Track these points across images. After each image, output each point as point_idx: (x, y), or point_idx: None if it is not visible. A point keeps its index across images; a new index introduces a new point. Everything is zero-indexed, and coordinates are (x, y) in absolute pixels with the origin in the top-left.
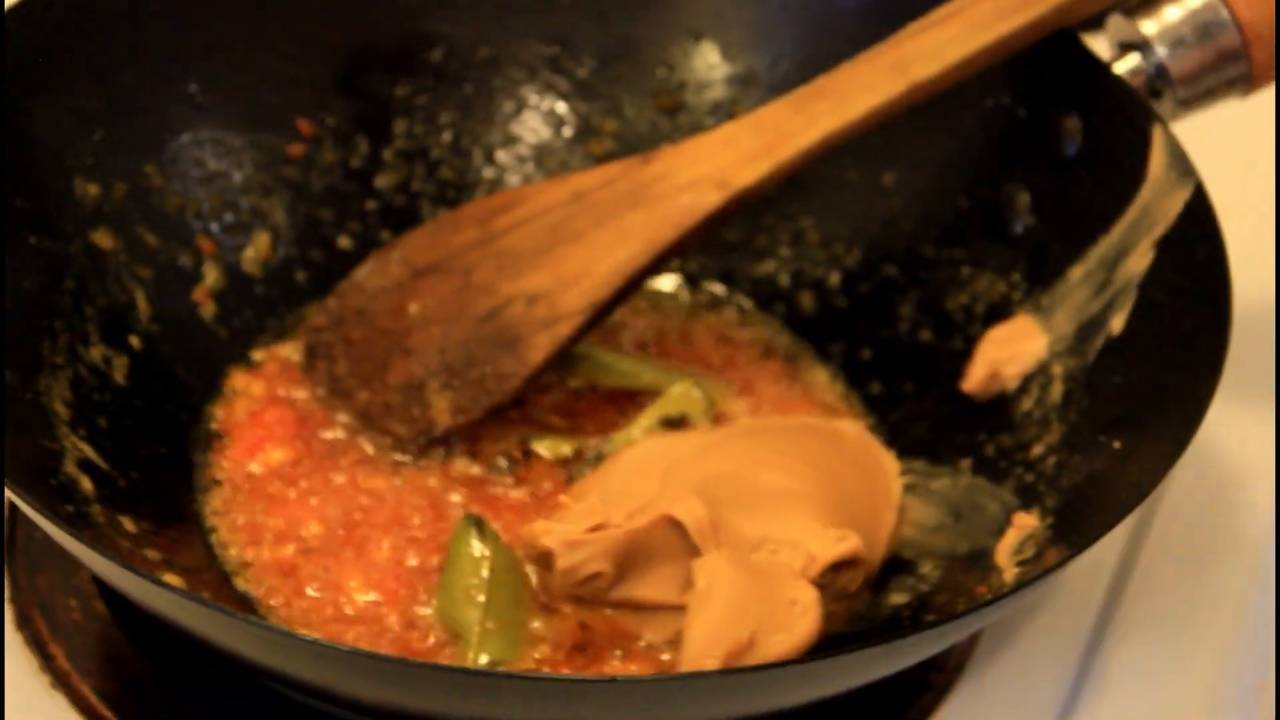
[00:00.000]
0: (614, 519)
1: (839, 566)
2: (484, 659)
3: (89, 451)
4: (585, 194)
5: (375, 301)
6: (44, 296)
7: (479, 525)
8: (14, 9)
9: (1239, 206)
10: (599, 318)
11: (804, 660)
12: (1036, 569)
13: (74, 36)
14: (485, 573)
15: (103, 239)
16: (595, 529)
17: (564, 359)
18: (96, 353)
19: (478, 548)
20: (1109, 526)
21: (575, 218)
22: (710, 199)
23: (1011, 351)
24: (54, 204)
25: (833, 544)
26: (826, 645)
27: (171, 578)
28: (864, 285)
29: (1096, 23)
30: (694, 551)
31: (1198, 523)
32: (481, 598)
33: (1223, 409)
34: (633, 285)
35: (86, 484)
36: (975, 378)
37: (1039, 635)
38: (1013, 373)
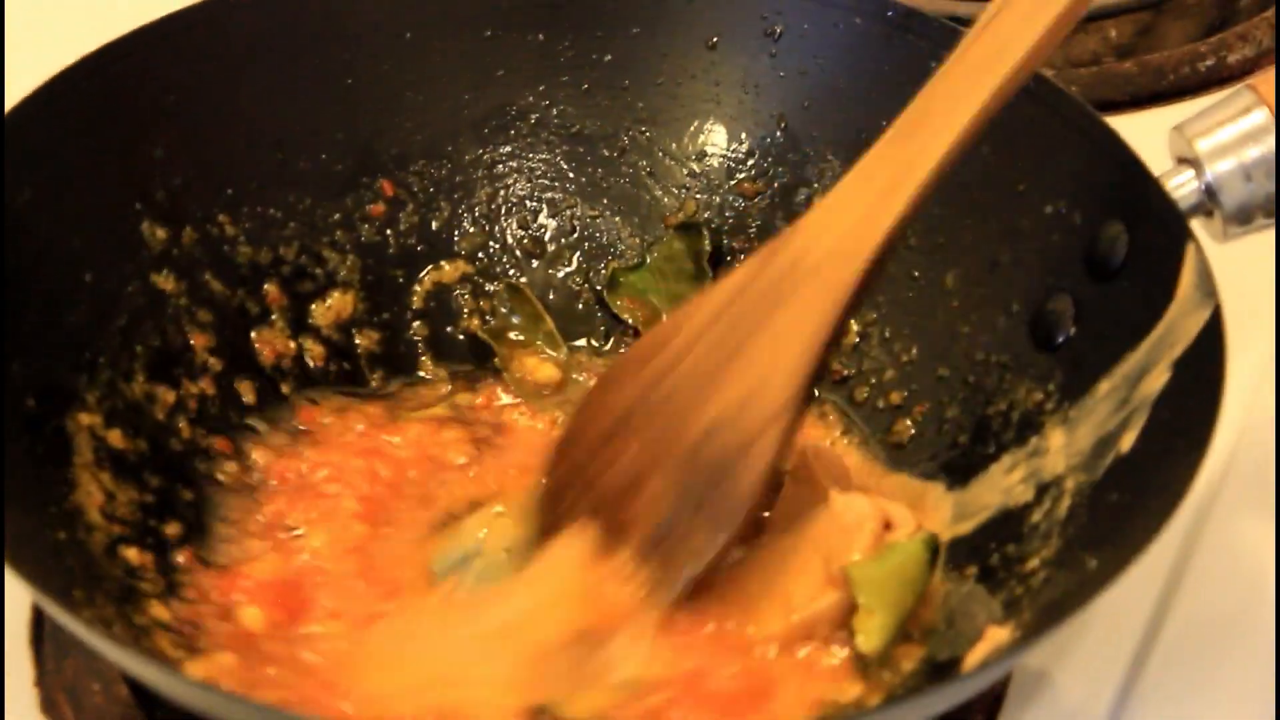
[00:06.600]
0: None
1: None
2: None
3: (110, 485)
4: (723, 311)
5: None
6: (89, 333)
7: None
8: (102, 47)
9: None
10: (793, 427)
11: None
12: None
13: (158, 81)
14: None
15: (164, 281)
16: None
17: None
18: (139, 389)
19: None
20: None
21: (726, 338)
22: (847, 273)
23: None
24: (116, 245)
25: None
26: None
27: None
28: (915, 383)
29: None
30: None
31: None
32: None
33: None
34: (815, 382)
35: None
36: None
37: None
38: None
